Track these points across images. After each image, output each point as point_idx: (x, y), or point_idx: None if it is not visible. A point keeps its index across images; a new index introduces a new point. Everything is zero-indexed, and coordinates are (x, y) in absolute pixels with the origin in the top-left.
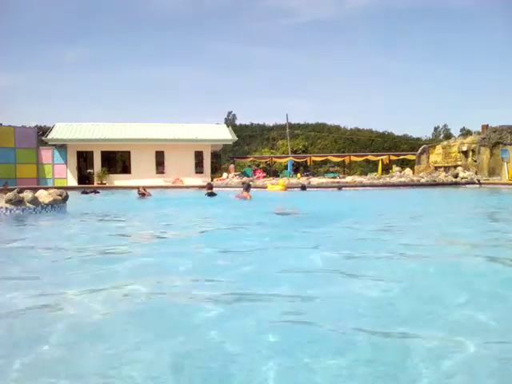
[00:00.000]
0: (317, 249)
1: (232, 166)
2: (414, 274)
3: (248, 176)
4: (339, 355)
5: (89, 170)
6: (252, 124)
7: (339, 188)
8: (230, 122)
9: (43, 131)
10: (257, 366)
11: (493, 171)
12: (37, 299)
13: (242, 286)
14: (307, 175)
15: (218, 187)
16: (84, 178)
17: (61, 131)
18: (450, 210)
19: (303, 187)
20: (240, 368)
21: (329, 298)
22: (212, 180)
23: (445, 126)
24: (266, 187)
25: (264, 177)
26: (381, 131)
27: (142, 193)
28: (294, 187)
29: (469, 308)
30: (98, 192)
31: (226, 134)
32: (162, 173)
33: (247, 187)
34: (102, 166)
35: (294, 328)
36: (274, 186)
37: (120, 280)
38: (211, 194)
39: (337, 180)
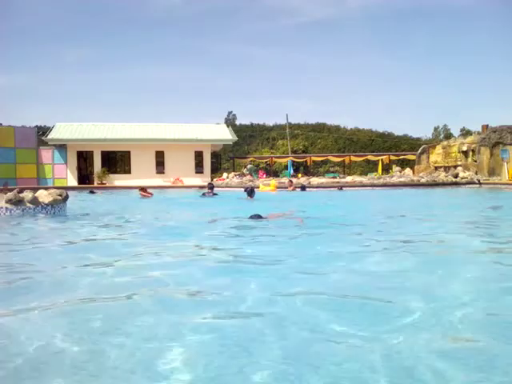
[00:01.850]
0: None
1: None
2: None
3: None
4: None
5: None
6: (252, 124)
7: (340, 188)
8: (230, 122)
9: (43, 131)
10: None
11: (493, 171)
12: (37, 300)
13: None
14: (294, 176)
15: (218, 187)
16: (84, 177)
17: (61, 131)
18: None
19: (303, 187)
20: None
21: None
22: (212, 180)
23: (445, 125)
24: (257, 187)
25: (266, 176)
26: (381, 131)
27: (144, 193)
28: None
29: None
30: (99, 192)
31: (225, 134)
32: (162, 173)
33: (250, 192)
34: (102, 166)
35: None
36: (266, 186)
37: (118, 280)
38: (209, 194)
39: (337, 180)
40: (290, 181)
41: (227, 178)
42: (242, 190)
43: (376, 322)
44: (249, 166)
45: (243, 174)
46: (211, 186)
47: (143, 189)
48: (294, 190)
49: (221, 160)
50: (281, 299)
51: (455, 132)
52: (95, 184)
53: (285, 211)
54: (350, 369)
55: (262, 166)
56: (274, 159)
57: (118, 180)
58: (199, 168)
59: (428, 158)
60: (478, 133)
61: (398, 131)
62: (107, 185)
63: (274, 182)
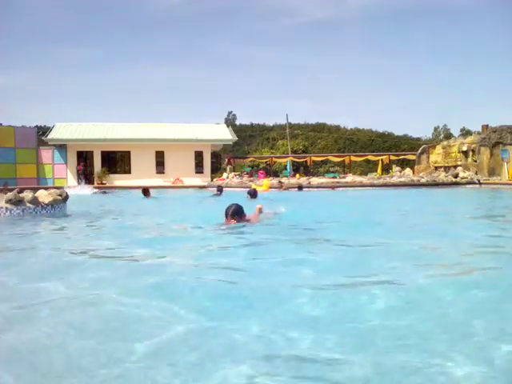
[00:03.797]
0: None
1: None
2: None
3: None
4: None
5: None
6: (252, 124)
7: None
8: (230, 122)
9: (43, 131)
10: None
11: (493, 171)
12: (36, 301)
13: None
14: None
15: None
16: (84, 177)
17: (61, 131)
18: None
19: (300, 187)
20: None
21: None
22: (212, 180)
23: (445, 125)
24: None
25: (265, 176)
26: (381, 131)
27: (147, 193)
28: (291, 187)
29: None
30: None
31: (226, 134)
32: (162, 173)
33: (253, 194)
34: (102, 166)
35: None
36: (259, 186)
37: (119, 279)
38: (218, 195)
39: (337, 180)
40: (280, 181)
41: (227, 177)
42: (239, 189)
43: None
44: (228, 167)
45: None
46: (220, 189)
47: (146, 189)
48: (285, 190)
49: (221, 160)
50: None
51: (455, 132)
52: (95, 184)
53: (269, 211)
54: None
55: (262, 165)
56: (274, 159)
57: (118, 180)
58: (199, 168)
59: (428, 157)
60: (478, 133)
61: (398, 131)
62: (107, 185)
63: (266, 181)
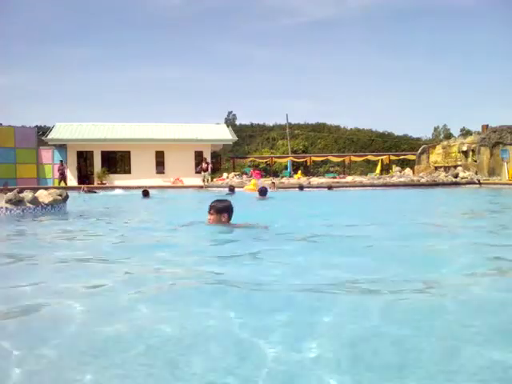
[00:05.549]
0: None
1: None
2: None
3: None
4: None
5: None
6: (252, 124)
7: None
8: (230, 122)
9: (43, 131)
10: None
11: (493, 171)
12: (36, 302)
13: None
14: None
15: (219, 187)
16: (84, 177)
17: (61, 131)
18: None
19: (301, 187)
20: None
21: None
22: (212, 180)
23: (445, 125)
24: (242, 187)
25: (262, 176)
26: (381, 131)
27: (147, 195)
28: (291, 187)
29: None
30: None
31: (226, 134)
32: (162, 173)
33: (262, 191)
34: (102, 166)
35: None
36: (249, 185)
37: (118, 279)
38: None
39: (336, 180)
40: (273, 182)
41: (227, 177)
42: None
43: None
44: (203, 174)
45: (243, 173)
46: (232, 188)
47: (146, 191)
48: (276, 190)
49: (221, 160)
50: None
51: (455, 132)
52: (95, 184)
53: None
54: None
55: (262, 165)
56: (274, 159)
57: (118, 180)
58: (199, 168)
59: (428, 157)
60: (478, 133)
61: (398, 131)
62: (107, 185)
63: (254, 181)
